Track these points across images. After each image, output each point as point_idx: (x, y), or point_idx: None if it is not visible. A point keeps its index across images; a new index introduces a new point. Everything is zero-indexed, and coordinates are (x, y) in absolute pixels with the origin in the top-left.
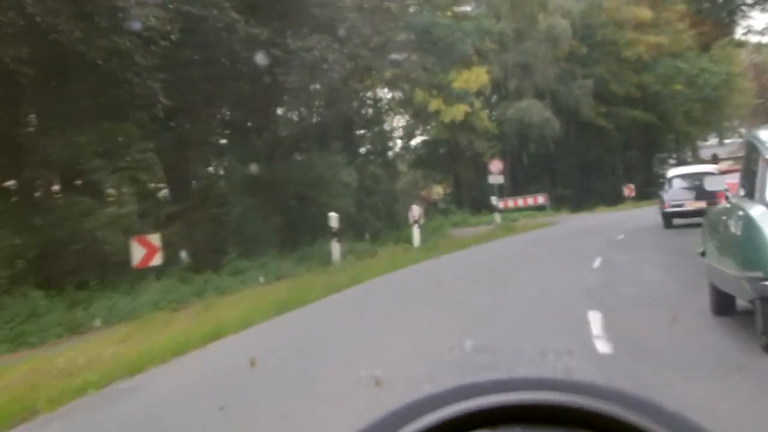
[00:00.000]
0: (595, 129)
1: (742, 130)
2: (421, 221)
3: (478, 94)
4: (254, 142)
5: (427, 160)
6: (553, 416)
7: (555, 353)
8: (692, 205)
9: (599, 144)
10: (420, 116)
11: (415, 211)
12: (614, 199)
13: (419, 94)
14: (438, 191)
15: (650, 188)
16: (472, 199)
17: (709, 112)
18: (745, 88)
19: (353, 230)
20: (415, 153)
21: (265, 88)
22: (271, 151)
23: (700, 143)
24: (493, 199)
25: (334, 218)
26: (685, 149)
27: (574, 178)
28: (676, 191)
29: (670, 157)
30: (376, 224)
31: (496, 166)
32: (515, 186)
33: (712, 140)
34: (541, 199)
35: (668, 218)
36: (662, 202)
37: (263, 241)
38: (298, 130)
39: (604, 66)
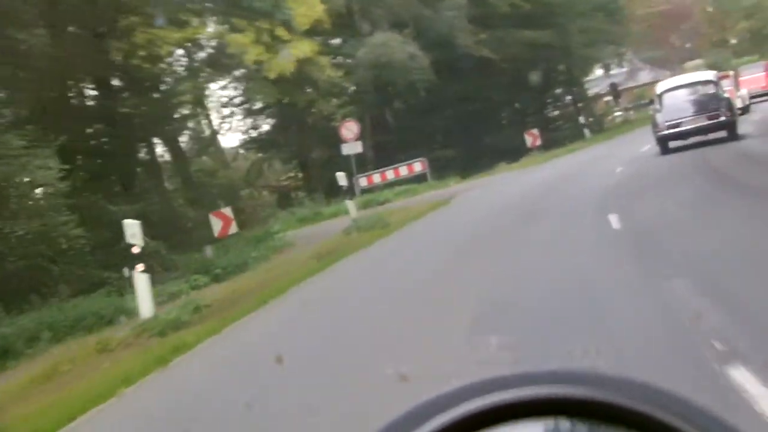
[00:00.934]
0: (478, 64)
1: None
2: (232, 231)
3: (313, 33)
4: None
5: (264, 139)
6: (580, 411)
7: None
8: (692, 122)
9: (486, 85)
10: (245, 77)
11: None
12: (515, 153)
13: (235, 40)
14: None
15: (554, 133)
16: (328, 181)
17: (605, 29)
18: None
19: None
20: (243, 129)
21: None
22: None
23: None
24: (341, 178)
25: None
26: (580, 83)
27: (459, 133)
28: (671, 108)
29: (564, 95)
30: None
31: (349, 129)
32: (382, 154)
33: (597, 73)
34: (418, 167)
35: (664, 142)
36: (655, 125)
37: None
38: None
39: None
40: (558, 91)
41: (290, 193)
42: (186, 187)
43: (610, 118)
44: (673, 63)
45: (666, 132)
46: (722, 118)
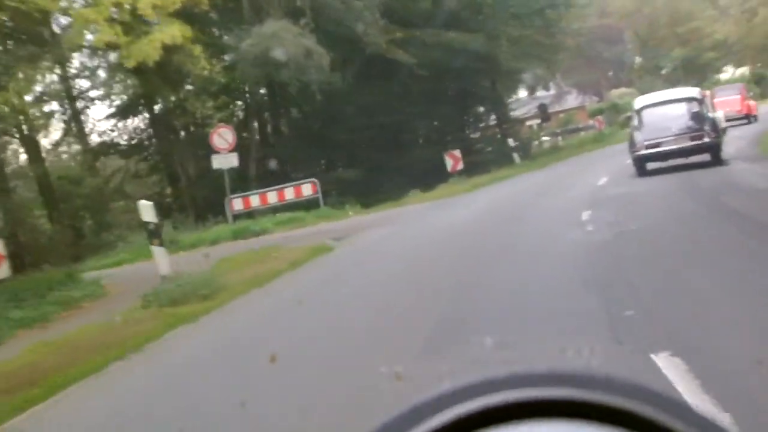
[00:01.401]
0: (391, 69)
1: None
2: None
3: (188, 16)
4: None
5: (126, 144)
6: (570, 411)
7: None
8: (674, 142)
9: (400, 94)
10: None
11: None
12: (432, 177)
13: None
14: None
15: (477, 156)
16: (202, 199)
17: (538, 42)
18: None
19: None
20: (102, 130)
21: None
22: None
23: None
24: (145, 209)
25: None
26: (505, 102)
27: (366, 151)
28: (650, 127)
29: (488, 114)
30: None
31: (223, 137)
32: (266, 172)
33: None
34: (307, 190)
35: (642, 163)
36: (633, 144)
37: None
38: None
39: None
40: (481, 109)
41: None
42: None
43: (536, 143)
44: (601, 88)
45: (644, 152)
46: (706, 140)
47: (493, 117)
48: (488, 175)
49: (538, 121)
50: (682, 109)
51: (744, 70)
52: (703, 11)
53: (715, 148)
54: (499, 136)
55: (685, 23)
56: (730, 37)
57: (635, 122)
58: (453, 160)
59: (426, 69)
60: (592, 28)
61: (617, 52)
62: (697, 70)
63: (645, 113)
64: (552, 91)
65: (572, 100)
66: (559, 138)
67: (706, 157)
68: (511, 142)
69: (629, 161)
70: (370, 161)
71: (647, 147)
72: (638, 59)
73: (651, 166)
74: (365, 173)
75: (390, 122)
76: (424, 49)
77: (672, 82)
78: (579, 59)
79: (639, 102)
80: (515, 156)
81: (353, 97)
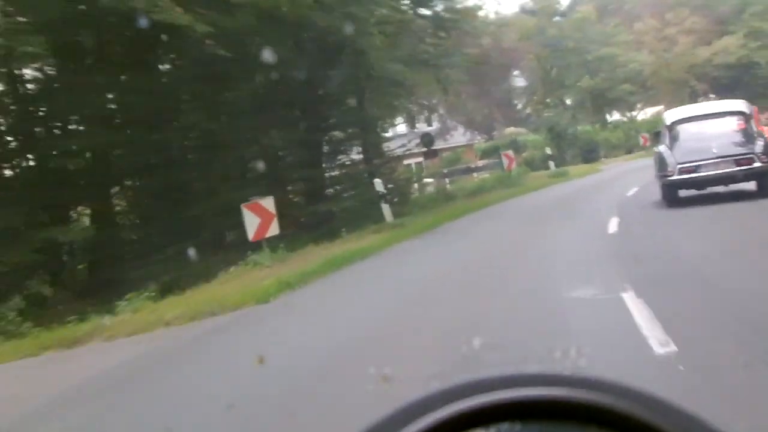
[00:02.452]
0: (176, 47)
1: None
2: None
3: None
4: None
5: None
6: (560, 412)
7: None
8: (715, 167)
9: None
10: None
11: None
12: (211, 251)
13: None
14: None
15: (323, 206)
16: None
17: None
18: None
19: None
20: None
21: None
22: None
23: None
24: None
25: None
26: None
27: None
28: (687, 147)
29: (349, 143)
30: None
31: None
32: None
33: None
34: None
35: (673, 190)
36: (663, 167)
37: None
38: None
39: None
40: (337, 133)
41: None
42: None
43: (417, 186)
44: (495, 122)
45: (677, 178)
46: (757, 165)
47: (358, 152)
48: (325, 250)
49: (420, 159)
50: (727, 125)
51: (660, 109)
52: (615, 36)
53: (765, 176)
54: (366, 175)
55: (595, 49)
56: (646, 69)
57: (666, 140)
58: (259, 218)
59: (247, 58)
60: (484, 53)
61: (507, 88)
62: (608, 105)
63: (679, 130)
64: (435, 125)
65: (460, 136)
66: (447, 181)
67: (747, 185)
68: (379, 184)
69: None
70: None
71: (682, 172)
72: (539, 91)
73: (684, 194)
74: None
75: (171, 142)
76: (231, 18)
77: (578, 118)
78: (469, 87)
79: (671, 116)
80: (385, 209)
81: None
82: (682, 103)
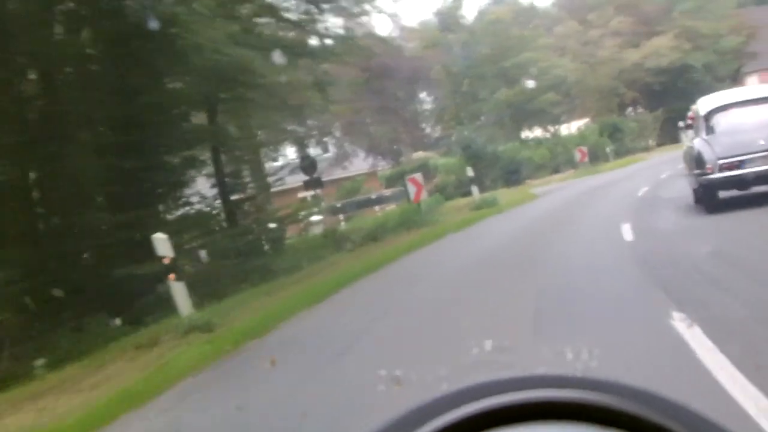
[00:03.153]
0: None
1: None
2: None
3: None
4: None
5: None
6: (569, 414)
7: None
8: (763, 161)
9: None
10: None
11: None
12: None
13: None
14: None
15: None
16: None
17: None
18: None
19: None
20: None
21: None
22: None
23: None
24: None
25: None
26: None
27: None
28: (728, 138)
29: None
30: None
31: None
32: None
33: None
34: None
35: (712, 191)
36: (699, 164)
37: None
38: None
39: None
40: (173, 159)
41: None
42: None
43: (302, 225)
44: (402, 146)
45: (718, 176)
46: None
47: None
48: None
49: (308, 193)
50: None
51: (587, 122)
52: (535, 40)
53: None
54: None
55: (513, 54)
56: (570, 76)
57: (702, 133)
58: None
59: None
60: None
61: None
62: (529, 119)
63: (718, 119)
64: (332, 153)
65: (360, 163)
66: (341, 217)
67: None
68: (162, 242)
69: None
70: None
71: (723, 168)
72: (450, 106)
73: (724, 194)
74: None
75: None
76: None
77: (492, 137)
78: (369, 104)
79: (708, 103)
80: (178, 293)
81: None
82: (610, 114)
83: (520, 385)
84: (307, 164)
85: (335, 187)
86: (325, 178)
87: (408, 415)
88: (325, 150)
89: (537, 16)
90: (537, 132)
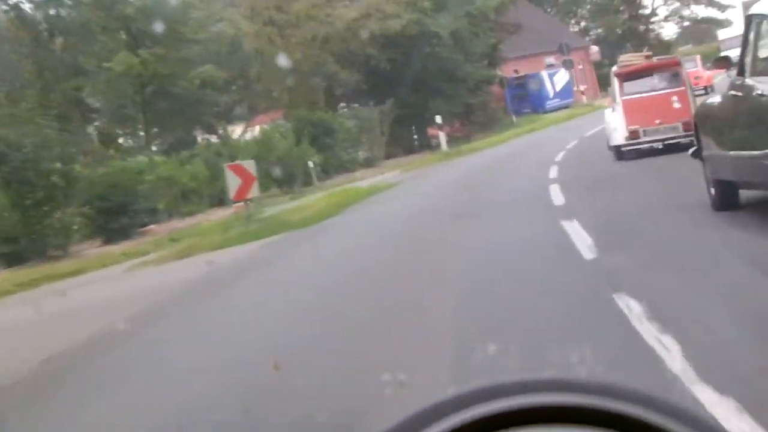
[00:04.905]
0: None
1: None
2: None
3: None
4: None
5: None
6: (575, 417)
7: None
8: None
9: None
10: None
11: None
12: None
13: None
14: None
15: None
16: None
17: None
18: None
19: None
20: None
21: None
22: None
23: None
24: None
25: None
26: None
27: None
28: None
29: None
30: None
31: None
32: None
33: None
34: None
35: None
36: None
37: None
38: None
39: None
40: None
41: None
42: None
43: None
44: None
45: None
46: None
47: None
48: None
49: None
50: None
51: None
52: None
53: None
54: None
55: None
56: (247, 42)
57: (751, 50)
58: None
59: None
60: None
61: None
62: (174, 114)
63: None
64: None
65: None
66: None
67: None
68: None
69: None
70: None
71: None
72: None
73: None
74: None
75: None
76: None
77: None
78: None
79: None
80: None
81: None
82: (315, 108)
83: (526, 388)
84: None
85: None
86: None
87: (413, 418)
88: None
89: None
90: (177, 134)
